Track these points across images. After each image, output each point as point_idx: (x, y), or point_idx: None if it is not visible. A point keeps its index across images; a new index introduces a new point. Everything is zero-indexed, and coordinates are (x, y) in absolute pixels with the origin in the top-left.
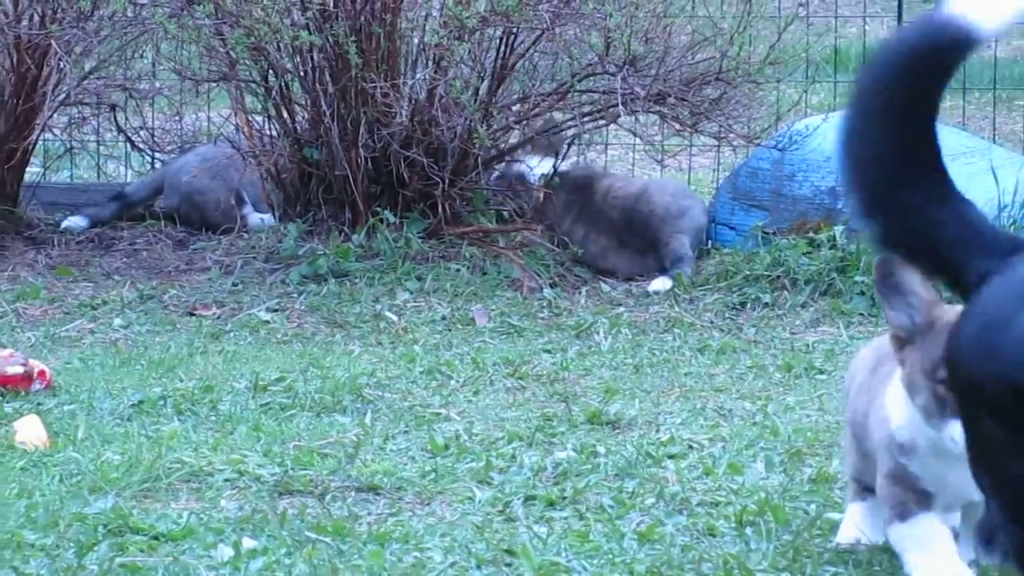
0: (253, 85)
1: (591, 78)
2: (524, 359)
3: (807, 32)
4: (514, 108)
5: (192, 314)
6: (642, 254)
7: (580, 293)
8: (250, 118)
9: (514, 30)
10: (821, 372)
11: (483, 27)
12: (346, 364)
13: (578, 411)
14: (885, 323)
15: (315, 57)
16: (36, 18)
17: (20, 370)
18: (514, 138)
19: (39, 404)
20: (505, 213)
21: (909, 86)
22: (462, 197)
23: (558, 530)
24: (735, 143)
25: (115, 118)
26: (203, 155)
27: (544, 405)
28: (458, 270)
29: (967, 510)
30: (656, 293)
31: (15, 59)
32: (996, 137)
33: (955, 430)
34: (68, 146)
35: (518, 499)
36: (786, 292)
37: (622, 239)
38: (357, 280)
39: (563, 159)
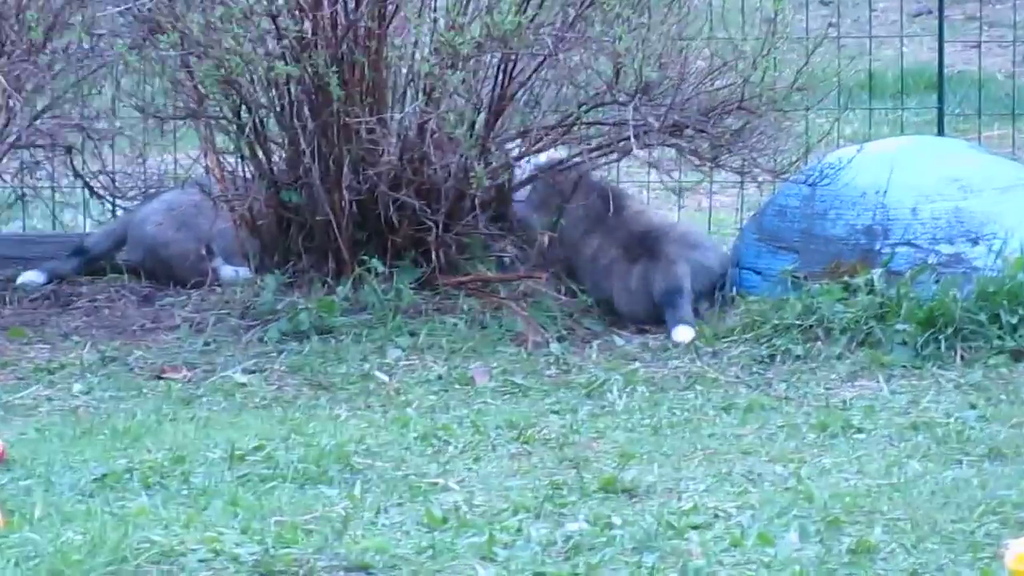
0: (224, 122)
1: (599, 108)
2: (530, 421)
3: (838, 55)
4: (514, 143)
5: (160, 377)
6: (646, 277)
7: (591, 347)
8: (221, 159)
9: (513, 57)
10: (859, 431)
11: (478, 54)
12: (332, 430)
13: (590, 478)
14: (928, 377)
15: (292, 90)
16: None
17: None
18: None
19: None
20: (506, 260)
21: None
22: (458, 243)
23: None
24: (760, 179)
25: (71, 161)
26: (168, 203)
27: (553, 472)
28: (455, 324)
29: None
30: (678, 345)
31: None
32: None
33: None
34: (20, 193)
35: None
36: (819, 343)
37: (634, 254)
38: (343, 337)
39: (569, 199)
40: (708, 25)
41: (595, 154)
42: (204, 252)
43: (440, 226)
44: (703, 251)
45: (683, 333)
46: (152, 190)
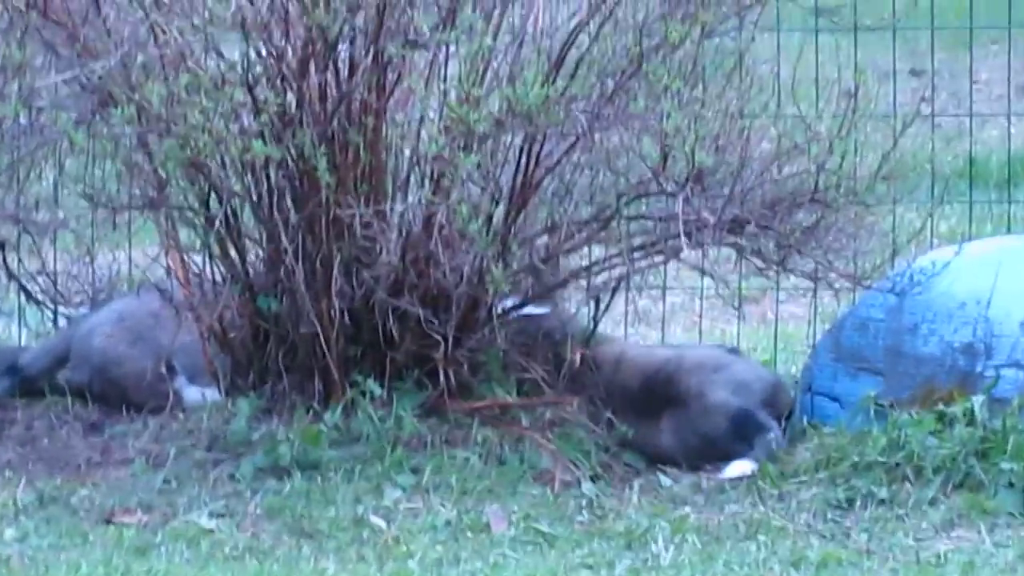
0: (189, 213)
1: (643, 200)
2: None
3: (932, 136)
4: (540, 241)
5: (110, 522)
6: (657, 417)
7: (631, 488)
8: (186, 257)
9: (539, 137)
10: None
11: (498, 133)
12: None
13: None
14: None
15: (272, 175)
16: None
17: None
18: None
19: None
20: (528, 382)
21: None
22: (471, 361)
23: None
24: (837, 285)
25: (4, 260)
26: (120, 312)
27: None
28: (467, 459)
29: None
30: (734, 481)
31: None
32: None
33: None
34: None
35: None
36: (908, 485)
37: (639, 410)
38: (331, 474)
39: (606, 308)
40: (775, 100)
41: (637, 255)
42: (164, 371)
43: (450, 340)
44: (730, 369)
45: (738, 467)
46: (101, 295)
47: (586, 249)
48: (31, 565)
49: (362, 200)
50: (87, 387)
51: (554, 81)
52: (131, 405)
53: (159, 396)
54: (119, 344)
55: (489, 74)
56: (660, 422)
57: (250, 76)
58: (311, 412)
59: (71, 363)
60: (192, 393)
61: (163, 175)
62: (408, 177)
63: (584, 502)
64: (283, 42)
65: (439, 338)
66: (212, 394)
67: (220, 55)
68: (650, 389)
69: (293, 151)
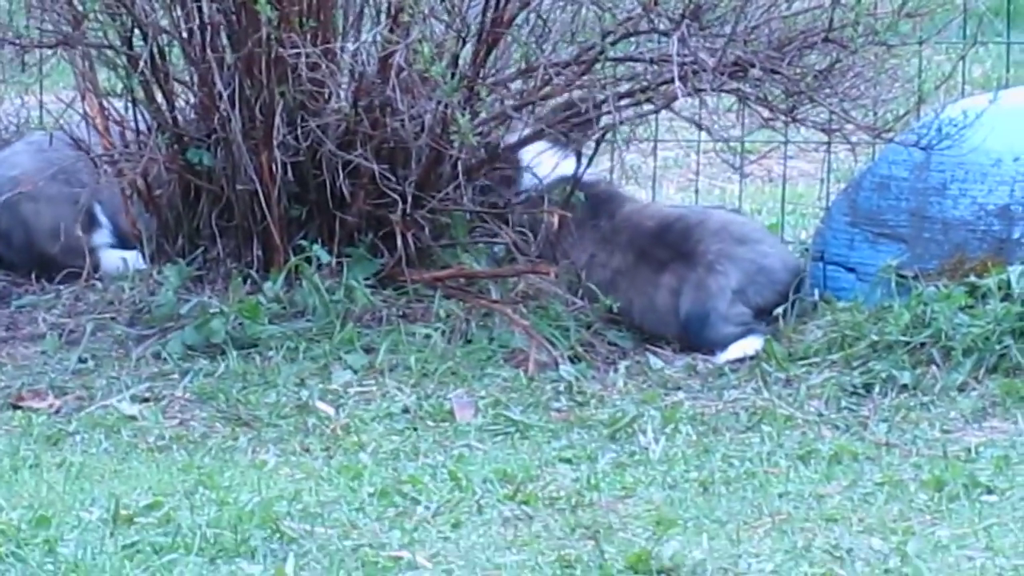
0: (109, 52)
1: (631, 39)
2: (530, 473)
3: None
4: (513, 85)
5: (17, 407)
6: (659, 272)
7: (617, 371)
8: (105, 103)
9: None
10: (989, 491)
11: None
12: (255, 482)
13: (614, 552)
14: None
15: (205, 8)
16: None
17: None
18: (514, 131)
19: None
20: (499, 248)
21: None
22: (433, 224)
23: None
24: (854, 138)
25: None
26: (40, 143)
27: (562, 543)
28: (428, 336)
29: None
30: (735, 364)
31: None
32: None
33: None
34: None
35: None
36: (935, 368)
37: (643, 253)
38: (272, 353)
39: (589, 162)
40: None
41: (625, 102)
42: (79, 227)
43: (409, 200)
44: (755, 247)
45: (744, 345)
46: (9, 139)
47: (566, 95)
48: None
49: (308, 38)
50: None
51: None
52: (42, 266)
53: (76, 257)
54: (36, 177)
55: None
56: (661, 276)
57: None
58: (249, 281)
59: None
60: (112, 257)
61: (79, 7)
62: (361, 11)
63: (562, 386)
64: None
65: (396, 197)
66: (135, 260)
67: None
68: (662, 235)
69: None
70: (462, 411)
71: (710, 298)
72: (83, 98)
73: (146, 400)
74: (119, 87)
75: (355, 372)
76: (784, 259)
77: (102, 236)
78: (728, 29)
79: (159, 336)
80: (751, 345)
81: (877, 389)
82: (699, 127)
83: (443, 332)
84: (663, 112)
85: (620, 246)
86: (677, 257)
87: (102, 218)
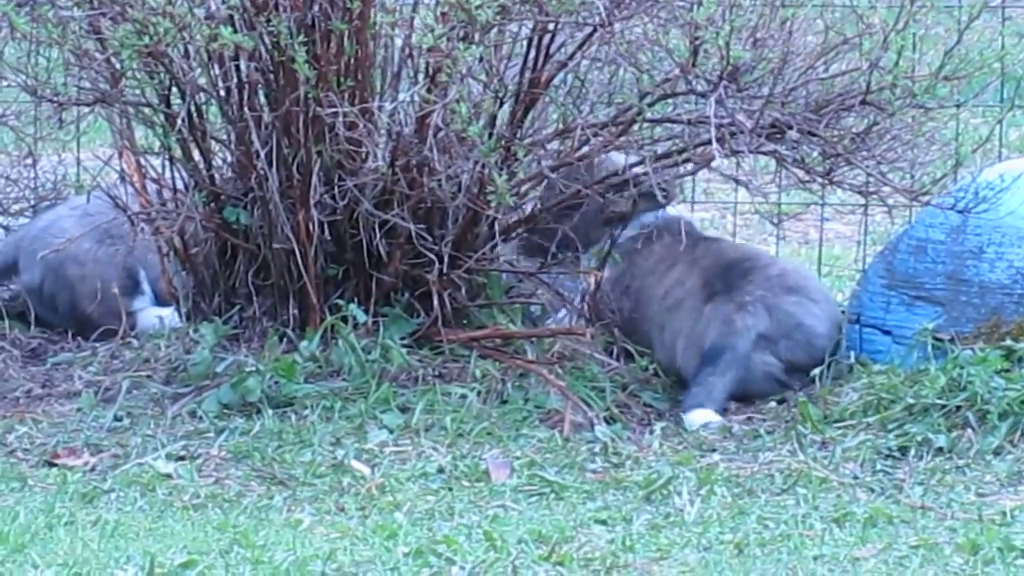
0: (147, 110)
1: (669, 101)
2: (565, 534)
3: (1002, 30)
4: (550, 146)
5: (53, 464)
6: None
7: (652, 432)
8: (142, 161)
9: (551, 27)
10: None
11: (503, 22)
12: (290, 541)
13: None
14: None
15: (243, 68)
16: None
17: None
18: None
19: None
20: (535, 308)
21: None
22: (469, 284)
23: None
24: (891, 201)
25: None
26: (84, 208)
27: None
28: (463, 396)
29: None
30: (769, 425)
31: None
32: None
33: None
34: None
35: None
36: (971, 431)
37: (711, 289)
38: (307, 412)
39: (626, 225)
40: None
41: (662, 164)
42: (116, 289)
43: (445, 260)
44: (803, 302)
45: (699, 416)
46: (45, 203)
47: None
48: None
49: (346, 97)
50: (36, 294)
51: None
52: (80, 326)
53: (112, 318)
54: (84, 241)
55: None
56: (705, 305)
57: None
58: (285, 340)
59: (21, 268)
60: (149, 317)
61: (117, 65)
62: (399, 71)
63: (597, 447)
64: None
65: (433, 257)
66: (172, 318)
67: None
68: (724, 273)
69: (267, 40)
70: (497, 471)
71: (732, 334)
72: (120, 156)
73: (182, 458)
74: (156, 145)
75: (391, 432)
76: (831, 325)
77: (142, 301)
78: (766, 91)
79: (195, 394)
80: (705, 417)
81: (912, 452)
82: (737, 182)
83: (479, 392)
84: (699, 173)
85: (696, 272)
86: (724, 291)
87: (144, 285)
